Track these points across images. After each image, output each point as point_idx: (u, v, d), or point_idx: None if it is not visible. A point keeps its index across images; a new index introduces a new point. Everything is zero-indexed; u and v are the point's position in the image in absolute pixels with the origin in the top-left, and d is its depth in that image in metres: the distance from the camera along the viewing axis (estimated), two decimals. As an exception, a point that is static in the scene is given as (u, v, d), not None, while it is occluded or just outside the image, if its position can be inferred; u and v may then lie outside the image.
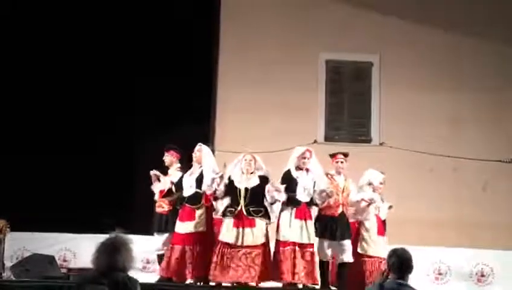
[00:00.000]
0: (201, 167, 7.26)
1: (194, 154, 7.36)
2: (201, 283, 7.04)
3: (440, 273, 8.65)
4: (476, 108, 10.52)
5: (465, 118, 10.52)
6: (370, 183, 7.49)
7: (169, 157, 7.81)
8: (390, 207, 7.64)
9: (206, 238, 7.06)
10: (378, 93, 10.68)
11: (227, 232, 6.85)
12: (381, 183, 7.53)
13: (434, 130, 10.38)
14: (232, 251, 6.80)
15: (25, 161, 10.16)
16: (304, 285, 6.91)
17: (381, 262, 7.31)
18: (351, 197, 7.35)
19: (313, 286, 6.96)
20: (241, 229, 6.81)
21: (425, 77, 10.55)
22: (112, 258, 3.79)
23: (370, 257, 7.34)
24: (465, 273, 8.63)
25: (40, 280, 6.57)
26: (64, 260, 8.55)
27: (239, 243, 6.79)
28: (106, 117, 10.55)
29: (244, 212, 6.87)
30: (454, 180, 10.27)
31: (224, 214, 7.04)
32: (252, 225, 6.84)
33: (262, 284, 6.98)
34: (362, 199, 7.33)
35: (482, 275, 8.71)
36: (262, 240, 6.89)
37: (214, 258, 6.82)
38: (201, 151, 7.33)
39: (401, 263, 4.20)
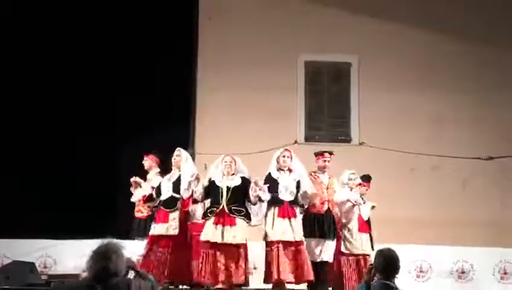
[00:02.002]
0: (179, 171, 7.25)
1: (173, 159, 7.35)
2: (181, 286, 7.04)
3: (421, 271, 8.71)
4: (456, 108, 10.61)
5: (444, 118, 10.60)
6: (345, 184, 7.54)
7: (148, 162, 7.82)
8: (373, 207, 7.69)
9: (178, 243, 7.04)
10: (357, 94, 10.73)
11: (208, 230, 6.83)
12: (350, 179, 7.56)
13: (413, 130, 10.46)
14: (213, 250, 6.77)
15: (2, 166, 10.05)
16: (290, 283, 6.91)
17: (366, 258, 7.40)
18: (336, 197, 7.38)
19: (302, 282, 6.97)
20: (221, 226, 6.78)
21: (404, 77, 10.63)
22: (103, 264, 4.04)
23: (354, 255, 7.39)
24: (445, 270, 8.69)
25: (21, 288, 6.50)
26: (45, 267, 8.45)
27: (219, 241, 6.75)
28: (87, 121, 10.47)
29: (226, 210, 6.85)
30: (434, 179, 10.35)
31: (205, 215, 7.00)
32: (232, 223, 6.81)
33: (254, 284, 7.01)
34: (348, 200, 7.37)
35: (463, 272, 8.80)
36: (242, 240, 6.86)
37: (200, 260, 6.80)
38: (180, 156, 7.32)
39: (387, 263, 4.18)
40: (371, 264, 4.20)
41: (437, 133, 10.51)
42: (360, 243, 7.41)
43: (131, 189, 7.63)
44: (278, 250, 6.86)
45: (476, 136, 10.43)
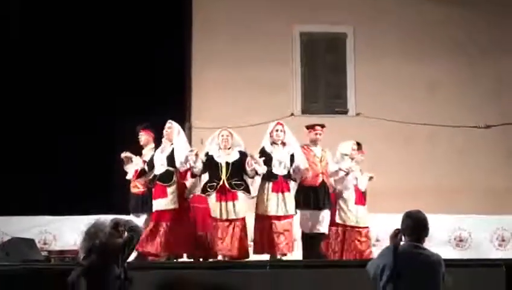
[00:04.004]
0: (172, 144, 7.22)
1: (164, 132, 7.31)
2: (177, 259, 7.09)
3: (419, 240, 8.76)
4: (452, 76, 10.59)
5: (440, 86, 10.59)
6: (345, 155, 7.55)
7: (145, 136, 7.74)
8: (371, 178, 7.70)
9: (179, 215, 7.05)
10: (353, 64, 10.69)
11: (215, 208, 6.90)
12: (353, 150, 7.60)
13: (410, 99, 10.44)
14: (217, 225, 6.86)
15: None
16: (284, 255, 6.97)
17: (360, 231, 7.42)
18: (329, 168, 7.38)
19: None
20: (224, 203, 6.85)
21: (400, 46, 10.58)
22: (89, 243, 4.60)
23: (349, 226, 7.39)
24: (443, 238, 8.74)
25: (21, 264, 6.51)
26: (45, 243, 8.50)
27: (224, 217, 6.83)
28: (83, 99, 10.46)
29: (227, 186, 6.90)
30: (431, 148, 10.37)
31: (204, 190, 7.03)
32: (234, 198, 6.89)
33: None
34: (340, 169, 7.38)
35: (461, 240, 8.88)
36: (244, 213, 6.94)
37: (209, 235, 6.89)
38: (171, 128, 7.28)
39: (416, 225, 4.05)
40: (397, 229, 4.09)
41: (434, 102, 10.50)
42: (354, 215, 7.42)
43: (124, 166, 7.59)
44: (272, 224, 6.90)
45: (473, 105, 10.42)
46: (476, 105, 10.40)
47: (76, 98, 10.43)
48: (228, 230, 6.83)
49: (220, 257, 6.84)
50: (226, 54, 10.43)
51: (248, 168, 6.93)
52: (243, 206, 6.94)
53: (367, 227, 7.48)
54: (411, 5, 10.60)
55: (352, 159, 7.57)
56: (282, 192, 6.98)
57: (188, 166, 7.08)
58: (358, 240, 7.40)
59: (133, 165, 7.50)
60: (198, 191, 7.28)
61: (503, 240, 8.89)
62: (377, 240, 7.94)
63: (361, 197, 7.56)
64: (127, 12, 10.38)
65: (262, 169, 6.93)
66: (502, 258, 7.62)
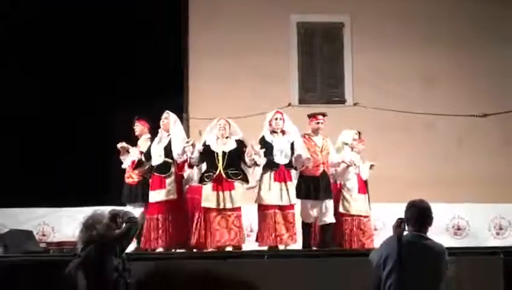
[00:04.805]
0: (169, 135, 7.22)
1: (161, 122, 7.31)
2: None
3: (417, 229, 8.77)
4: (450, 65, 10.58)
5: (437, 75, 10.58)
6: (346, 144, 7.55)
7: (140, 127, 7.78)
8: (371, 166, 7.69)
9: (178, 206, 7.05)
10: (351, 54, 10.67)
11: (207, 197, 6.85)
12: (355, 140, 7.60)
13: (407, 88, 10.43)
14: (213, 215, 6.81)
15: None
16: (285, 246, 6.96)
17: (362, 220, 7.41)
18: (331, 159, 7.38)
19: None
20: (221, 192, 6.81)
21: (397, 35, 10.56)
22: (86, 234, 4.67)
23: (352, 215, 7.38)
24: (441, 227, 8.76)
25: (20, 255, 6.52)
26: (43, 235, 8.52)
27: (221, 207, 6.79)
28: (81, 92, 10.46)
29: (224, 175, 6.86)
30: (429, 137, 10.38)
31: (202, 180, 7.01)
32: (231, 187, 6.84)
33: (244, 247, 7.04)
34: (343, 161, 7.37)
35: (459, 229, 8.90)
36: (241, 203, 6.90)
37: (195, 225, 6.82)
38: (168, 119, 7.28)
39: (420, 213, 4.02)
40: (400, 218, 4.04)
41: (431, 91, 10.49)
42: (359, 204, 7.41)
43: (120, 156, 7.61)
44: (275, 214, 6.88)
45: (471, 94, 10.42)
46: (474, 94, 10.39)
47: (73, 91, 10.42)
48: (227, 220, 6.78)
49: (220, 247, 6.79)
50: (223, 45, 10.41)
51: (247, 158, 6.90)
52: (240, 196, 6.89)
53: (368, 216, 7.48)
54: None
55: (352, 148, 7.57)
56: (285, 181, 6.94)
57: (185, 157, 7.07)
58: (362, 229, 7.38)
59: (130, 156, 7.51)
60: (195, 181, 7.29)
61: (500, 229, 8.92)
62: (375, 229, 7.96)
63: (363, 186, 7.55)
64: (124, 4, 10.36)
65: (261, 160, 6.89)
66: (499, 246, 7.64)
